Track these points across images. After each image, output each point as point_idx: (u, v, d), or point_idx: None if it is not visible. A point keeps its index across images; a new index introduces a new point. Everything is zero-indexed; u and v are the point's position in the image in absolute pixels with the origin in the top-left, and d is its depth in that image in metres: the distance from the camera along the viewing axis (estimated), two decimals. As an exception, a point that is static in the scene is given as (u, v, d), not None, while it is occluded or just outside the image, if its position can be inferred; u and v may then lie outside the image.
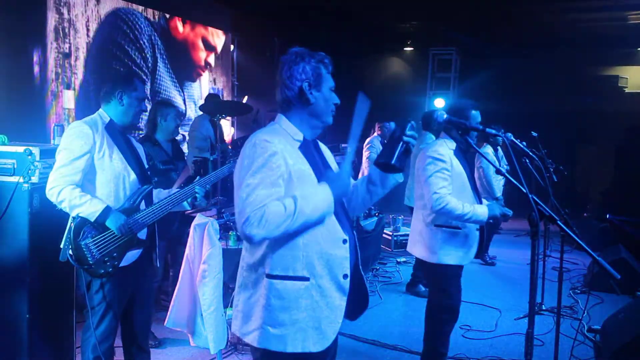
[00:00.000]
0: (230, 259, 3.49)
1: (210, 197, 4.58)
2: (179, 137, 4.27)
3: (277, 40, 8.95)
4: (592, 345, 4.00)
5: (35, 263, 2.88)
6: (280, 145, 1.86)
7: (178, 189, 2.92)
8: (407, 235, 3.85)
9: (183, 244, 3.36)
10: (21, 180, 2.83)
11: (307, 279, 1.89)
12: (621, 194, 9.15)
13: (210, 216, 4.09)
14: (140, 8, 6.60)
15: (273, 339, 1.89)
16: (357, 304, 2.03)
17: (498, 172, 2.54)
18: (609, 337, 3.65)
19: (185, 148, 5.98)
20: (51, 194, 2.56)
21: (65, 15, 5.48)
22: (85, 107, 5.57)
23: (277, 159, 1.84)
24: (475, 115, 3.19)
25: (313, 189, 1.87)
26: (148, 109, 3.76)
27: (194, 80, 7.71)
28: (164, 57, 6.99)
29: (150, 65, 6.78)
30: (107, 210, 2.56)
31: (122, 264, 2.65)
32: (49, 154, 2.88)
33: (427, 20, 9.80)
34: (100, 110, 2.76)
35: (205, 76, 7.99)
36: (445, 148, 3.13)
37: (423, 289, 5.20)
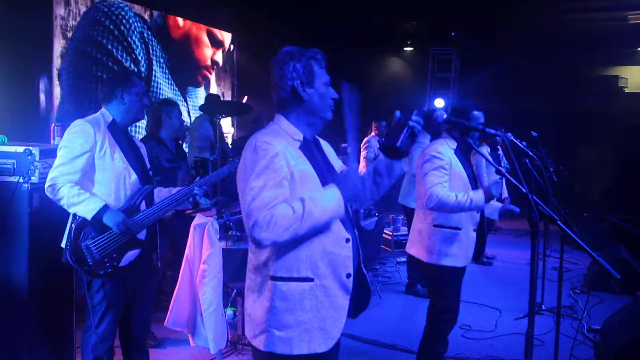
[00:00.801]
0: (230, 259, 3.49)
1: (210, 197, 4.58)
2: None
3: (277, 40, 8.94)
4: (592, 345, 4.00)
5: (35, 263, 2.88)
6: (280, 147, 1.85)
7: (179, 189, 2.92)
8: (407, 235, 3.84)
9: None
10: (21, 180, 2.84)
11: (311, 280, 1.88)
12: (621, 194, 9.16)
13: (210, 216, 4.09)
14: (136, 7, 5.89)
15: (279, 342, 1.88)
16: (358, 302, 2.02)
17: (498, 172, 2.54)
18: (609, 337, 3.65)
19: (185, 148, 5.96)
20: (50, 191, 2.57)
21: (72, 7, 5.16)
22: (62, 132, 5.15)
23: (279, 160, 1.83)
24: (478, 115, 3.18)
25: (321, 191, 1.85)
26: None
27: (198, 86, 6.76)
28: (161, 60, 6.12)
29: (143, 69, 5.81)
30: (104, 208, 2.56)
31: (121, 264, 2.66)
32: (49, 154, 2.88)
33: (427, 20, 9.81)
34: (103, 109, 2.76)
35: (212, 80, 6.80)
36: (446, 147, 3.13)
37: (421, 288, 5.21)
